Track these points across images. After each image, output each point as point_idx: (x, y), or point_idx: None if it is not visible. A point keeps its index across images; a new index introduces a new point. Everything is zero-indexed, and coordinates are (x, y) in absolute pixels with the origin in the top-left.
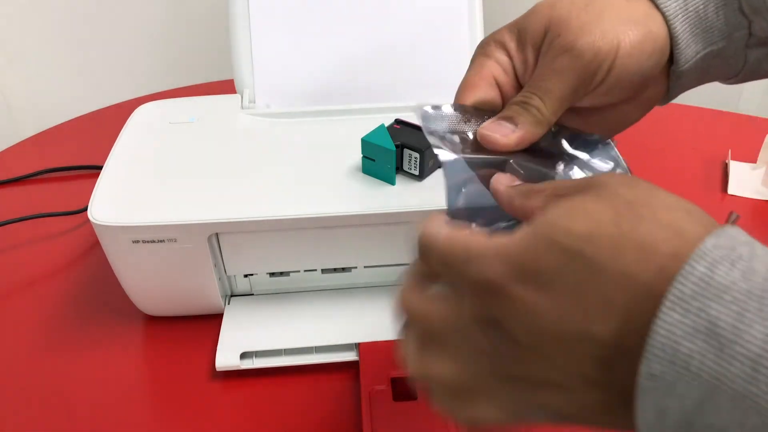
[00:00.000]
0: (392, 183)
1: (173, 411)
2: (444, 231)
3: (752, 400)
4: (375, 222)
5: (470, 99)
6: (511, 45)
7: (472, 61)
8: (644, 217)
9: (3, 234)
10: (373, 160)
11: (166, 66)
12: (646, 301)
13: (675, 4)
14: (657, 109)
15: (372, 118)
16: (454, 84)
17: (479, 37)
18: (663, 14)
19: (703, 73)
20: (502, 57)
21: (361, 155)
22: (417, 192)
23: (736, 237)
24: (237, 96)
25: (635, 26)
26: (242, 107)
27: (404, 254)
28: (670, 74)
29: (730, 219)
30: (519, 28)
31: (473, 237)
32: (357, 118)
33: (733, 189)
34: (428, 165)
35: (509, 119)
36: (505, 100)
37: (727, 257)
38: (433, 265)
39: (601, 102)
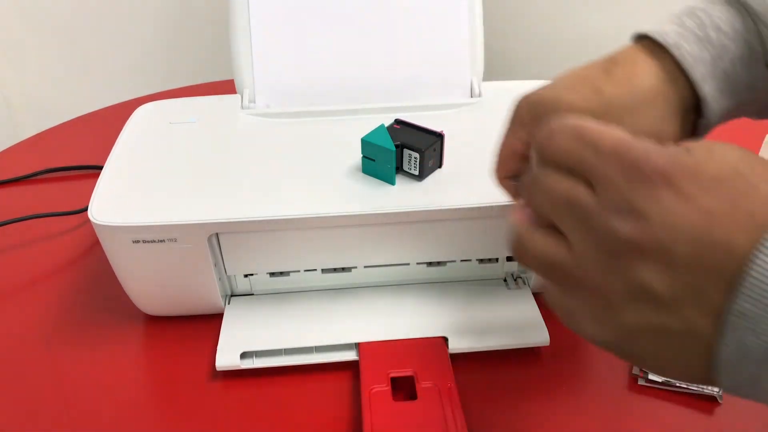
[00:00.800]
0: (392, 183)
1: (173, 411)
2: (594, 125)
3: None
4: (375, 222)
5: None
6: (531, 129)
7: (506, 127)
8: None
9: (3, 234)
10: (373, 160)
11: (166, 66)
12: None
13: (702, 68)
14: None
15: (372, 118)
16: (454, 84)
17: (479, 37)
18: (691, 79)
19: (729, 119)
20: (524, 134)
21: (361, 155)
22: (417, 192)
23: None
24: (237, 96)
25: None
26: (242, 107)
27: (404, 254)
28: (698, 127)
29: None
30: (537, 119)
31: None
32: (357, 118)
33: None
34: (428, 165)
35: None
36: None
37: None
38: (574, 155)
39: None
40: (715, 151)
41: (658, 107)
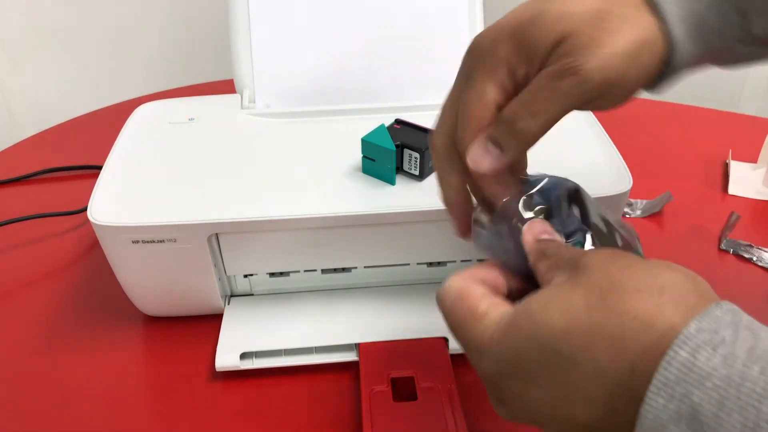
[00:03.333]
0: (392, 183)
1: (173, 411)
2: (449, 298)
3: None
4: (375, 222)
5: (474, 131)
6: (513, 59)
7: (471, 76)
8: (612, 311)
9: (3, 234)
10: (373, 160)
11: (166, 66)
12: (624, 392)
13: (675, 7)
14: (657, 109)
15: (372, 118)
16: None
17: None
18: (663, 20)
19: (695, 70)
20: (504, 76)
21: (361, 155)
22: (417, 192)
23: (720, 319)
24: (237, 96)
25: (645, 47)
26: (242, 107)
27: (404, 254)
28: (661, 74)
29: (730, 219)
30: (521, 39)
31: (471, 321)
32: (357, 118)
33: (733, 189)
34: (428, 165)
35: (496, 143)
36: None
37: (709, 341)
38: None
39: (590, 109)
40: (538, 326)
41: (637, 29)
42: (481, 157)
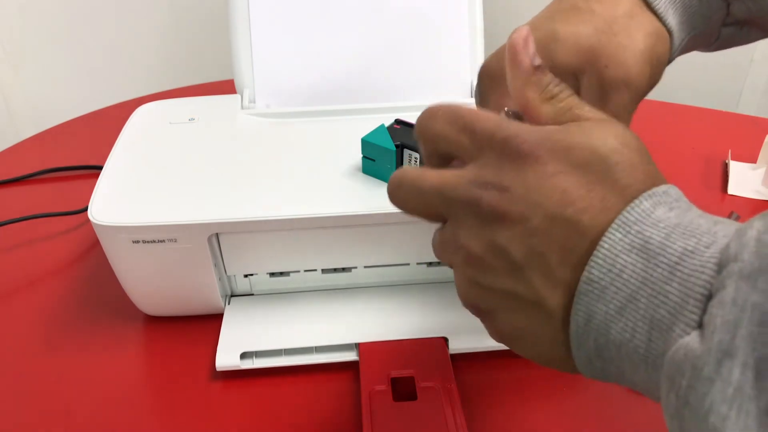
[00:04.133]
0: None
1: (173, 411)
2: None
3: (665, 297)
4: (375, 222)
5: None
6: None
7: (482, 101)
8: (633, 148)
9: (3, 234)
10: (373, 160)
11: (166, 66)
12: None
13: (664, 1)
14: (657, 109)
15: (372, 118)
16: (454, 84)
17: (479, 37)
18: (654, 11)
19: (682, 52)
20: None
21: (361, 155)
22: None
23: (680, 194)
24: (237, 96)
25: (658, 35)
26: (242, 107)
27: (404, 254)
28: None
29: (730, 219)
30: (551, 62)
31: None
32: (357, 118)
33: (733, 189)
34: None
35: None
36: None
37: (668, 202)
38: (450, 138)
39: None
40: (594, 134)
41: (644, 24)
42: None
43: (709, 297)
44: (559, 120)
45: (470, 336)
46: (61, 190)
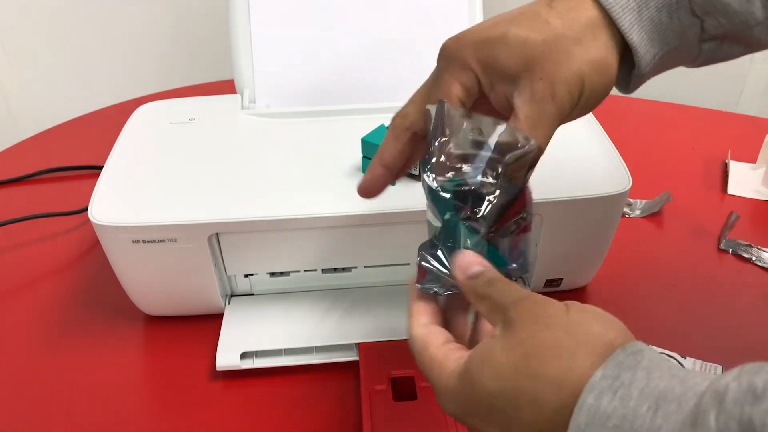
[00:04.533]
0: (392, 183)
1: (173, 411)
2: (416, 348)
3: None
4: (375, 222)
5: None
6: (478, 69)
7: (440, 76)
8: (531, 375)
9: (3, 234)
10: None
11: (166, 66)
12: None
13: (630, 16)
14: (657, 109)
15: (372, 118)
16: None
17: None
18: (618, 27)
19: (661, 68)
20: (469, 80)
21: (361, 155)
22: (417, 192)
23: (622, 363)
24: (237, 96)
25: (597, 68)
26: (242, 107)
27: (404, 254)
28: (631, 77)
29: (729, 219)
30: (488, 54)
31: (433, 370)
32: (357, 118)
33: (733, 189)
34: None
35: None
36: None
37: (611, 387)
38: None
39: None
40: (477, 386)
41: (601, 38)
42: None
43: None
44: (490, 318)
45: None
46: (61, 190)
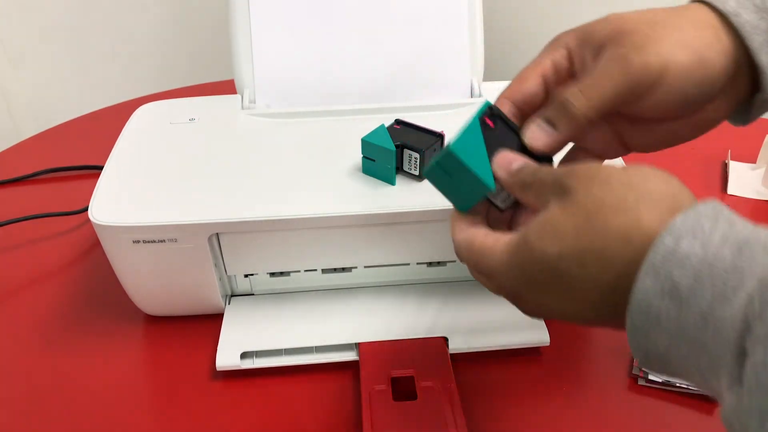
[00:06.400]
0: (392, 183)
1: (173, 411)
2: (463, 250)
3: (703, 346)
4: (375, 222)
5: (516, 90)
6: (573, 44)
7: (539, 54)
8: (596, 231)
9: (3, 234)
10: (373, 160)
11: (166, 66)
12: (615, 291)
13: (760, 38)
14: None
15: (372, 118)
16: (454, 84)
17: (479, 37)
18: (748, 48)
19: None
20: (559, 56)
21: (361, 155)
22: (417, 192)
23: (702, 212)
24: (237, 96)
25: (689, 53)
26: (242, 107)
27: (404, 254)
28: (753, 103)
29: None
30: (585, 31)
31: (485, 258)
32: (357, 118)
33: (732, 189)
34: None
35: (550, 123)
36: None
37: (691, 230)
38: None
39: (649, 114)
40: (536, 252)
41: (708, 36)
42: (536, 134)
43: (743, 353)
44: (538, 203)
45: (470, 336)
46: (61, 190)
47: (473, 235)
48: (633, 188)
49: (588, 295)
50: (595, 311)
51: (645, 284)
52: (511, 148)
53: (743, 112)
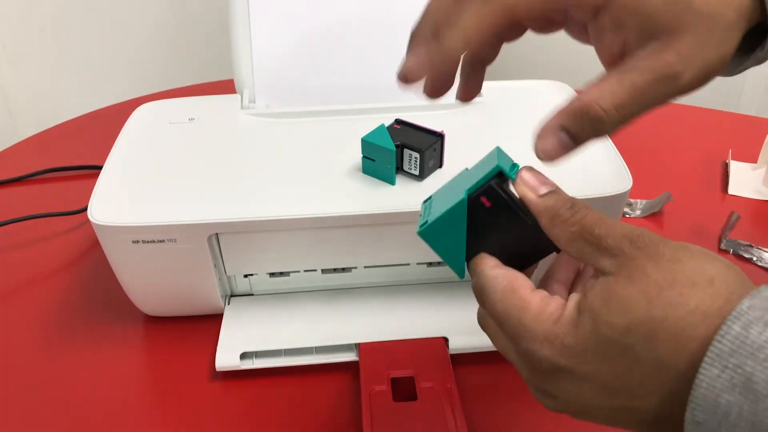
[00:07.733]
0: (392, 183)
1: (173, 411)
2: (499, 289)
3: None
4: (375, 222)
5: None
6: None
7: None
8: (672, 304)
9: (3, 234)
10: (373, 160)
11: (166, 66)
12: (681, 382)
13: None
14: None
15: (372, 118)
16: (454, 84)
17: None
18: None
19: None
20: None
21: (361, 155)
22: (417, 192)
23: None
24: (237, 96)
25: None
26: (242, 107)
27: (404, 254)
28: (748, 57)
29: (730, 219)
30: None
31: (527, 314)
32: (357, 118)
33: (733, 189)
34: (428, 165)
35: (569, 132)
36: None
37: (761, 318)
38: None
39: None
40: (600, 322)
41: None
42: (553, 148)
43: None
44: (573, 241)
45: (470, 336)
46: (61, 190)
47: (517, 282)
48: (705, 269)
49: (650, 381)
50: (648, 403)
51: (711, 373)
52: (503, 234)
53: (730, 66)
